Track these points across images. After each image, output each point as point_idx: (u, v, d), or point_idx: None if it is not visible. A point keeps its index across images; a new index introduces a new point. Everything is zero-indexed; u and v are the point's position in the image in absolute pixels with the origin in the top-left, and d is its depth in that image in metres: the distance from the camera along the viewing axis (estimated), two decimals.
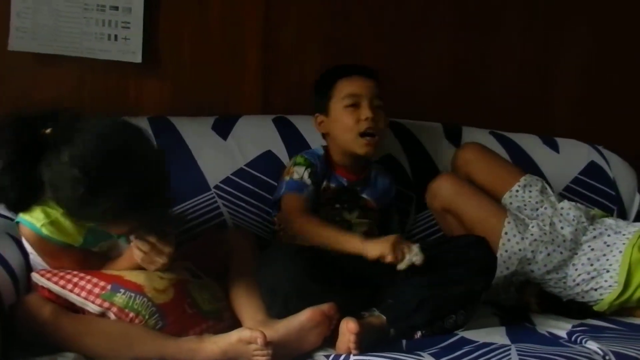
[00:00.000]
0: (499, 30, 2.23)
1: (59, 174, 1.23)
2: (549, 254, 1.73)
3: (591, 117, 2.31)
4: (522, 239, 1.74)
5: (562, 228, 1.77)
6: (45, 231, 1.38)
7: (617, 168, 2.14)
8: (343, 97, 1.74)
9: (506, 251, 1.74)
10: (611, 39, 2.31)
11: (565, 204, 1.83)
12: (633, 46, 2.33)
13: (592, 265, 1.72)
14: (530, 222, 1.78)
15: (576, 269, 1.73)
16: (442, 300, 1.50)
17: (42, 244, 1.42)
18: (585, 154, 2.15)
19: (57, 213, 1.37)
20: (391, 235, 1.56)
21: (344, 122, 1.74)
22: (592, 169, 2.12)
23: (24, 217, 1.40)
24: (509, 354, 1.34)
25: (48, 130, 1.31)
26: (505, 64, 2.25)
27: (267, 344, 1.31)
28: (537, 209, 1.82)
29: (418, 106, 2.14)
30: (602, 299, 1.70)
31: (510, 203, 1.84)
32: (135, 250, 1.40)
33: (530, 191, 1.84)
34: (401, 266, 1.49)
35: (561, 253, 1.74)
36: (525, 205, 1.83)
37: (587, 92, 2.32)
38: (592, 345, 1.42)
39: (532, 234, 1.75)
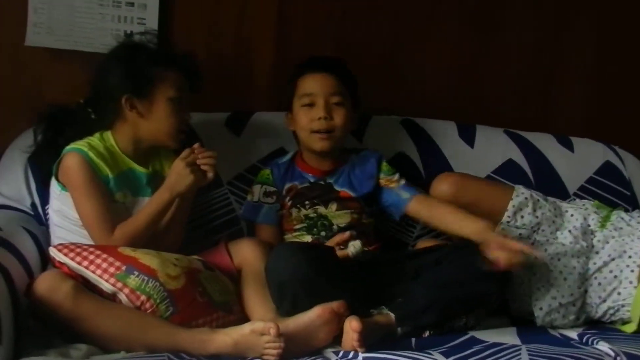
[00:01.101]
0: (513, 29, 2.21)
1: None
2: (563, 315, 1.65)
3: (606, 116, 2.27)
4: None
5: (565, 279, 1.66)
6: (88, 152, 1.56)
7: (633, 168, 2.11)
8: (300, 95, 1.77)
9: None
10: (623, 37, 2.27)
11: (564, 233, 1.71)
12: None
13: (606, 301, 1.66)
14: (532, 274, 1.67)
15: (592, 307, 1.67)
16: (452, 301, 1.49)
17: (84, 169, 1.54)
18: (600, 153, 2.12)
19: (100, 145, 1.59)
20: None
21: (300, 121, 1.77)
22: (607, 169, 2.09)
23: (71, 146, 1.58)
24: (520, 354, 1.34)
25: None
26: (517, 63, 2.23)
27: (280, 335, 1.32)
28: (532, 234, 1.71)
29: (430, 104, 2.13)
30: (623, 327, 1.65)
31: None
32: (177, 164, 1.56)
33: (522, 216, 1.73)
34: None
35: (574, 305, 1.65)
36: (521, 235, 1.70)
37: (602, 90, 2.29)
38: (604, 346, 1.42)
39: (536, 297, 1.65)
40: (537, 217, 1.74)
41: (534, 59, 2.25)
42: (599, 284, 1.68)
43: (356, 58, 1.96)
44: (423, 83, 2.16)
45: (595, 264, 1.69)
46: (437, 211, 1.72)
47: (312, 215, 1.75)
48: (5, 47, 1.92)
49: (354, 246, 1.55)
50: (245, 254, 1.60)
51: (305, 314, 1.39)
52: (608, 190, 2.05)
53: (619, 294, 1.66)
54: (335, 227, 1.74)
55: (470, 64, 2.20)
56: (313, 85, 1.76)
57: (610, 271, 1.68)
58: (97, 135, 1.63)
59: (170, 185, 1.56)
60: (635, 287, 1.63)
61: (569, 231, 1.72)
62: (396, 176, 1.83)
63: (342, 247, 1.58)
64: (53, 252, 1.46)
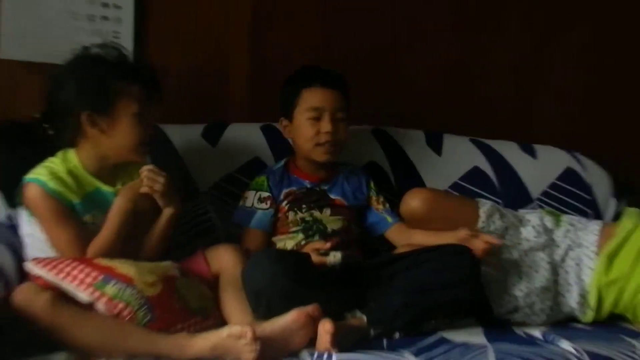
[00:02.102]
0: (481, 45, 2.27)
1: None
2: (542, 300, 1.72)
3: (570, 125, 2.34)
4: (510, 295, 1.72)
5: (537, 270, 1.75)
6: (50, 184, 1.49)
7: (593, 174, 2.18)
8: (307, 108, 1.79)
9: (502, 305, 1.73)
10: (591, 53, 2.35)
11: (524, 242, 1.78)
12: (613, 58, 2.38)
13: (576, 289, 1.74)
14: (506, 271, 1.74)
15: (564, 296, 1.75)
16: (424, 305, 1.52)
17: (47, 201, 1.49)
18: (562, 160, 2.18)
19: (61, 170, 1.52)
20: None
21: (305, 133, 1.79)
22: (568, 175, 2.15)
23: (30, 176, 1.51)
24: (485, 353, 1.37)
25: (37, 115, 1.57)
26: (487, 74, 2.28)
27: (256, 339, 1.33)
28: (503, 236, 1.78)
29: (401, 114, 2.16)
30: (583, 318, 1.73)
31: None
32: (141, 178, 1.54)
33: (492, 222, 1.80)
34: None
35: (549, 291, 1.73)
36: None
37: (565, 101, 2.36)
38: (566, 344, 1.46)
39: (519, 287, 1.72)
40: (504, 222, 1.81)
41: (506, 68, 2.30)
42: (566, 272, 1.75)
43: (333, 68, 2.00)
44: (397, 94, 2.19)
45: (558, 254, 1.77)
46: (414, 237, 1.81)
47: (308, 218, 1.79)
48: None
49: (334, 256, 1.58)
50: (223, 261, 1.60)
51: (282, 318, 1.41)
52: (570, 195, 2.12)
53: (582, 280, 1.74)
54: (329, 229, 1.78)
55: (443, 77, 2.24)
56: (322, 100, 1.78)
57: (572, 259, 1.76)
58: (59, 155, 1.56)
59: (126, 198, 1.56)
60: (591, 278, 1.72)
61: (532, 227, 1.81)
62: (381, 198, 1.90)
63: (322, 252, 1.60)
64: (29, 266, 1.45)
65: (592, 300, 1.71)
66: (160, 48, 2.01)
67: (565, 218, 1.87)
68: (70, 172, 1.54)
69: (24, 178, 1.52)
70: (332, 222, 1.80)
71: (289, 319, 1.41)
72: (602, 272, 1.71)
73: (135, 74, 1.57)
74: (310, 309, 1.42)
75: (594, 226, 1.82)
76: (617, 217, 2.11)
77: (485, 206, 1.82)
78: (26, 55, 1.91)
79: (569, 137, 2.28)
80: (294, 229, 1.79)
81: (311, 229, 1.78)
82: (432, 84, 2.24)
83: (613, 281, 1.70)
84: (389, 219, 1.88)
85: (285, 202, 1.81)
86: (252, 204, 1.81)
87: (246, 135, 1.98)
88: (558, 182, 2.14)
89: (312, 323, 1.42)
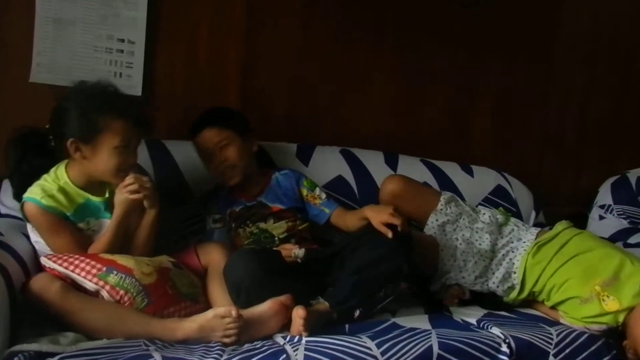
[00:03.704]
0: (430, 77, 2.25)
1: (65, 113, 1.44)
2: (475, 262, 1.72)
3: (498, 148, 2.35)
4: (453, 253, 1.73)
5: (481, 239, 1.76)
6: (44, 202, 1.41)
7: (518, 190, 2.19)
8: (202, 155, 1.74)
9: (442, 261, 1.73)
10: (515, 84, 2.36)
11: (479, 222, 1.80)
12: (534, 87, 2.39)
13: (504, 268, 1.72)
14: (455, 241, 1.75)
15: (494, 273, 1.73)
16: (371, 280, 1.47)
17: (41, 214, 1.41)
18: (493, 178, 2.18)
19: (53, 188, 1.43)
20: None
21: (212, 172, 1.74)
22: (499, 191, 2.16)
23: (27, 196, 1.43)
24: (430, 337, 1.35)
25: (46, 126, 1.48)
26: (432, 107, 2.27)
27: (239, 317, 1.29)
28: (457, 220, 1.80)
29: (364, 137, 2.14)
30: (509, 296, 1.71)
31: (437, 220, 1.79)
32: (120, 189, 1.44)
33: (450, 207, 1.82)
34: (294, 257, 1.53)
35: (484, 261, 1.73)
36: (448, 220, 1.79)
37: (495, 128, 2.36)
38: (496, 330, 1.44)
39: (460, 249, 1.73)
40: (459, 209, 1.82)
41: (450, 104, 2.30)
42: (502, 255, 1.74)
43: (306, 98, 1.97)
44: (360, 121, 2.17)
45: (501, 242, 1.77)
46: (347, 219, 1.76)
47: (255, 231, 1.72)
48: (12, 83, 1.84)
49: (296, 254, 1.54)
50: (212, 255, 1.54)
51: (259, 307, 1.36)
52: (499, 207, 2.09)
53: (513, 264, 1.72)
54: (276, 238, 1.70)
55: (397, 106, 2.22)
56: (202, 143, 1.72)
57: (510, 249, 1.75)
58: (52, 172, 1.47)
59: (117, 206, 1.47)
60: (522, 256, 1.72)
61: (488, 216, 1.82)
62: (317, 191, 1.82)
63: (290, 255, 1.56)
64: (44, 260, 1.39)
65: (519, 275, 1.70)
66: (164, 76, 1.96)
67: (512, 219, 1.87)
68: (61, 189, 1.44)
69: (22, 197, 1.44)
70: (277, 229, 1.72)
71: (265, 307, 1.36)
72: (531, 255, 1.70)
73: (122, 111, 1.44)
74: (283, 298, 1.38)
75: (533, 230, 1.82)
76: (536, 226, 2.10)
77: (446, 195, 1.85)
78: (54, 79, 1.85)
79: (497, 158, 2.30)
80: (246, 241, 1.72)
81: (260, 240, 1.71)
82: (390, 113, 2.22)
83: (538, 262, 1.68)
84: (326, 210, 1.79)
85: (232, 222, 1.75)
86: (209, 226, 1.75)
87: None
88: (490, 197, 2.14)
89: (285, 311, 1.37)
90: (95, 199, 1.48)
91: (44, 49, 1.85)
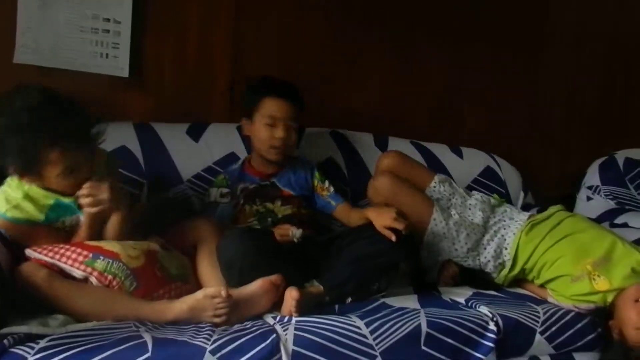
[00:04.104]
0: (419, 61, 2.25)
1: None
2: (468, 234, 1.73)
3: (487, 132, 2.35)
4: (446, 224, 1.74)
5: (473, 215, 1.78)
6: (9, 215, 1.34)
7: (507, 172, 2.20)
8: (265, 115, 1.72)
9: (433, 233, 1.73)
10: (507, 66, 2.36)
11: (472, 199, 1.83)
12: (523, 72, 2.38)
13: (495, 244, 1.74)
14: (451, 211, 1.79)
15: (485, 248, 1.74)
16: (367, 271, 1.49)
17: (11, 227, 1.35)
18: (483, 160, 2.19)
19: (17, 198, 1.35)
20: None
21: (261, 135, 1.73)
22: (488, 172, 2.16)
23: None
24: (419, 316, 1.36)
25: None
26: (421, 90, 2.26)
27: (228, 296, 1.29)
28: (450, 199, 1.82)
29: (354, 119, 2.13)
30: (500, 274, 1.73)
31: (431, 196, 1.83)
32: (80, 198, 1.33)
33: (443, 186, 1.83)
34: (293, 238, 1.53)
35: (476, 234, 1.74)
36: (441, 197, 1.82)
37: (484, 112, 2.36)
38: (484, 309, 1.45)
39: (454, 219, 1.75)
40: (452, 189, 1.85)
41: (439, 85, 2.29)
42: (494, 231, 1.76)
43: (296, 81, 1.95)
44: (351, 102, 2.17)
45: (493, 219, 1.79)
46: (350, 216, 1.78)
47: (261, 210, 1.72)
48: None
49: (294, 233, 1.54)
50: (200, 232, 1.52)
51: (250, 285, 1.36)
52: (488, 188, 2.12)
53: (504, 239, 1.74)
54: (280, 215, 1.72)
55: (388, 89, 2.22)
56: (278, 110, 1.71)
57: (502, 225, 1.77)
58: (15, 180, 1.35)
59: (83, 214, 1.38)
60: (515, 234, 1.73)
61: (480, 195, 1.85)
62: (326, 184, 1.83)
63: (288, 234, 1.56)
64: (29, 252, 1.35)
65: (512, 252, 1.71)
66: (152, 57, 1.93)
67: (505, 204, 1.89)
68: (27, 196, 1.35)
69: None
70: (283, 211, 1.73)
71: (256, 286, 1.36)
72: (524, 232, 1.72)
73: (60, 137, 1.28)
74: (274, 277, 1.38)
75: (526, 212, 1.84)
76: (525, 207, 2.13)
77: (441, 175, 1.87)
78: (39, 60, 1.82)
79: (487, 140, 2.30)
80: (251, 219, 1.72)
81: (264, 219, 1.71)
82: (380, 96, 2.21)
83: (530, 239, 1.70)
84: (333, 203, 1.81)
85: (241, 197, 1.74)
86: (215, 199, 1.74)
87: (224, 133, 1.92)
88: (479, 178, 2.15)
89: (276, 290, 1.37)
90: (66, 200, 1.38)
91: (28, 29, 1.81)
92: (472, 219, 1.77)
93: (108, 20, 1.88)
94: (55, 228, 1.40)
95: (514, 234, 1.73)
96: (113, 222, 1.40)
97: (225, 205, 1.73)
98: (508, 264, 1.71)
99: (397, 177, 1.79)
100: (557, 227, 1.71)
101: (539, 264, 1.67)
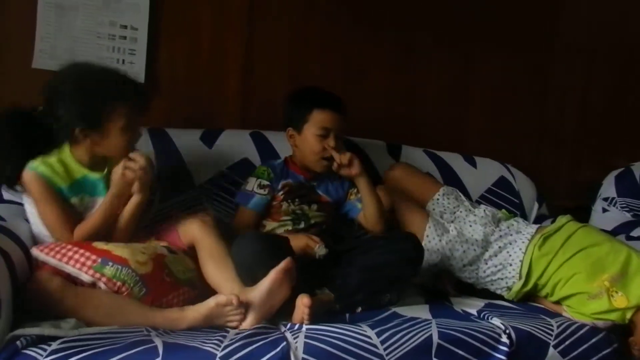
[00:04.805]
0: (427, 71, 2.23)
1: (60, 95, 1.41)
2: (464, 251, 1.72)
3: (497, 140, 2.32)
4: (440, 240, 1.74)
5: (474, 230, 1.76)
6: (40, 169, 1.41)
7: (521, 182, 2.17)
8: (317, 126, 1.72)
9: (427, 250, 1.71)
10: (515, 76, 2.34)
11: (476, 211, 1.82)
12: (533, 80, 2.36)
13: (498, 260, 1.72)
14: (449, 226, 1.78)
15: (486, 263, 1.73)
16: (379, 282, 1.49)
17: (36, 181, 1.41)
18: (496, 169, 2.17)
19: (52, 159, 1.44)
20: (302, 234, 1.61)
21: (313, 146, 1.72)
22: (501, 182, 2.14)
23: (28, 165, 1.42)
24: (430, 326, 1.35)
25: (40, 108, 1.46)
26: (431, 97, 2.25)
27: (240, 304, 1.29)
28: (455, 212, 1.81)
29: (366, 127, 2.11)
30: (510, 288, 1.69)
31: (433, 209, 1.82)
32: (117, 168, 1.43)
33: (448, 199, 1.83)
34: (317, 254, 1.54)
35: (474, 250, 1.73)
36: (445, 210, 1.81)
37: (498, 119, 2.34)
38: (496, 321, 1.44)
39: (449, 236, 1.74)
40: (458, 202, 1.83)
41: (449, 95, 2.28)
42: (499, 247, 1.73)
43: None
44: (362, 110, 2.13)
45: (497, 233, 1.76)
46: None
47: (297, 211, 1.72)
48: (14, 70, 1.84)
49: (321, 249, 1.54)
50: (193, 234, 1.49)
51: (264, 282, 1.35)
52: (502, 198, 2.10)
53: (509, 255, 1.71)
54: (312, 221, 1.72)
55: (398, 97, 2.21)
56: (332, 122, 1.71)
57: (508, 240, 1.74)
58: (65, 149, 1.46)
59: (112, 184, 1.45)
60: (523, 252, 1.69)
61: (484, 210, 1.82)
62: (355, 189, 1.82)
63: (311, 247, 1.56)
64: (35, 253, 1.37)
65: (524, 267, 1.68)
66: (167, 64, 1.96)
67: (514, 217, 1.86)
68: (61, 161, 1.45)
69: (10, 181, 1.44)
70: (316, 217, 1.73)
71: (269, 280, 1.35)
72: (537, 247, 1.69)
73: (123, 93, 1.45)
74: (282, 264, 1.36)
75: (534, 225, 1.82)
76: (539, 218, 2.11)
77: (446, 188, 1.86)
78: (57, 66, 1.79)
79: (499, 150, 2.27)
80: (285, 218, 1.71)
81: (298, 219, 1.71)
82: (389, 104, 2.21)
83: (543, 254, 1.67)
84: (359, 205, 1.79)
85: (281, 193, 1.74)
86: (253, 189, 1.72)
87: (237, 139, 1.93)
88: (493, 188, 2.13)
89: (289, 275, 1.36)
90: (93, 176, 1.47)
91: (47, 35, 1.84)
92: (472, 234, 1.75)
93: (125, 27, 1.91)
94: (71, 204, 1.45)
95: (520, 249, 1.70)
96: (131, 204, 1.45)
97: (262, 197, 1.71)
98: (519, 281, 1.67)
99: (395, 191, 1.79)
100: (569, 240, 1.68)
101: (552, 280, 1.64)
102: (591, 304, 1.55)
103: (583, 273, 1.59)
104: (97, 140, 1.44)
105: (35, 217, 1.47)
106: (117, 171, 1.44)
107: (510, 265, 1.70)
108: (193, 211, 1.69)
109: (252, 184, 1.73)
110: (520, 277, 1.68)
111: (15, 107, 1.46)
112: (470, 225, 1.77)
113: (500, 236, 1.76)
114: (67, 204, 1.44)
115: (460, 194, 1.89)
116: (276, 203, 1.73)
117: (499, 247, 1.73)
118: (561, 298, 1.63)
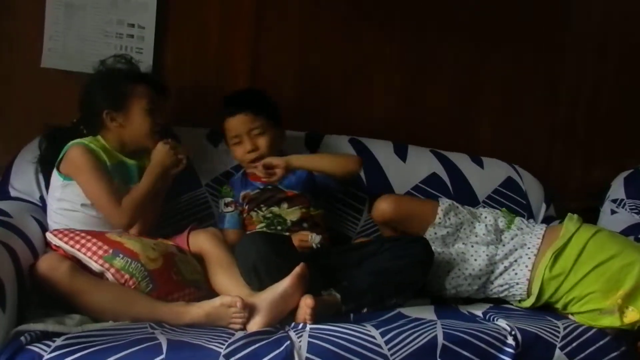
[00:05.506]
0: (435, 70, 2.22)
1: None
2: (469, 284, 1.66)
3: (507, 140, 2.31)
4: (445, 269, 1.66)
5: (476, 258, 1.68)
6: (91, 145, 1.52)
7: (529, 182, 2.15)
8: (230, 137, 1.74)
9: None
10: (524, 75, 2.32)
11: (479, 226, 1.73)
12: (542, 78, 2.34)
13: (504, 279, 1.67)
14: (450, 256, 1.68)
15: (492, 283, 1.69)
16: (386, 285, 1.48)
17: (87, 155, 1.49)
18: (504, 170, 2.15)
19: (95, 142, 1.56)
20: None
21: (236, 155, 1.75)
22: (509, 183, 2.12)
23: (73, 142, 1.53)
24: (435, 327, 1.34)
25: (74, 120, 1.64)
26: (440, 96, 2.24)
27: (244, 307, 1.29)
28: (457, 231, 1.72)
29: (371, 126, 2.12)
30: (520, 302, 1.67)
31: (435, 234, 1.69)
32: (160, 146, 1.58)
33: (448, 219, 1.72)
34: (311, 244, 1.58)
35: (480, 279, 1.66)
36: (448, 232, 1.71)
37: (504, 120, 2.32)
38: (502, 322, 1.43)
39: (456, 262, 1.67)
40: (459, 218, 1.74)
41: (458, 94, 2.26)
42: (504, 267, 1.68)
43: (315, 87, 1.96)
44: (369, 110, 2.16)
45: (502, 252, 1.70)
46: None
47: (268, 215, 1.71)
48: (23, 69, 1.86)
49: (313, 238, 1.56)
50: (201, 243, 1.52)
51: (280, 284, 1.35)
52: (509, 199, 2.08)
53: (515, 274, 1.67)
54: (288, 221, 1.69)
55: (405, 97, 2.20)
56: (236, 126, 1.72)
57: (513, 257, 1.69)
58: (89, 138, 1.58)
59: (158, 162, 1.56)
60: (530, 270, 1.65)
61: (485, 225, 1.74)
62: None
63: (305, 240, 1.58)
64: (49, 236, 1.40)
65: (535, 288, 1.63)
66: (174, 62, 1.96)
67: (516, 221, 1.79)
68: (102, 146, 1.57)
69: (67, 145, 1.54)
70: (291, 214, 1.71)
71: (285, 284, 1.35)
72: (548, 267, 1.63)
73: (142, 77, 1.64)
74: (297, 269, 1.37)
75: (539, 230, 1.73)
76: (546, 219, 2.09)
77: (444, 205, 1.75)
78: (66, 65, 1.87)
79: (507, 150, 2.25)
80: (259, 225, 1.71)
81: (273, 224, 1.70)
82: (396, 104, 2.19)
83: (555, 276, 1.62)
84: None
85: (245, 204, 1.74)
86: (221, 210, 1.75)
87: None
88: (500, 189, 2.11)
89: (304, 280, 1.37)
90: (130, 161, 1.59)
91: (55, 34, 1.86)
92: (475, 260, 1.67)
93: (132, 25, 1.92)
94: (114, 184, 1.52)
95: (527, 266, 1.65)
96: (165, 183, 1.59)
97: (231, 214, 1.73)
98: (530, 299, 1.64)
99: (386, 225, 1.74)
100: (581, 256, 1.61)
101: (565, 298, 1.60)
102: (603, 319, 1.51)
103: (598, 292, 1.55)
104: (123, 123, 1.57)
105: (66, 202, 1.52)
106: (162, 148, 1.56)
107: (517, 284, 1.66)
108: (199, 210, 1.71)
109: (221, 205, 1.75)
110: (529, 295, 1.65)
111: (55, 126, 1.62)
112: (473, 247, 1.70)
113: (505, 254, 1.69)
114: (112, 179, 1.51)
115: (456, 204, 1.78)
116: (246, 215, 1.73)
117: (505, 267, 1.68)
118: (573, 313, 1.60)
